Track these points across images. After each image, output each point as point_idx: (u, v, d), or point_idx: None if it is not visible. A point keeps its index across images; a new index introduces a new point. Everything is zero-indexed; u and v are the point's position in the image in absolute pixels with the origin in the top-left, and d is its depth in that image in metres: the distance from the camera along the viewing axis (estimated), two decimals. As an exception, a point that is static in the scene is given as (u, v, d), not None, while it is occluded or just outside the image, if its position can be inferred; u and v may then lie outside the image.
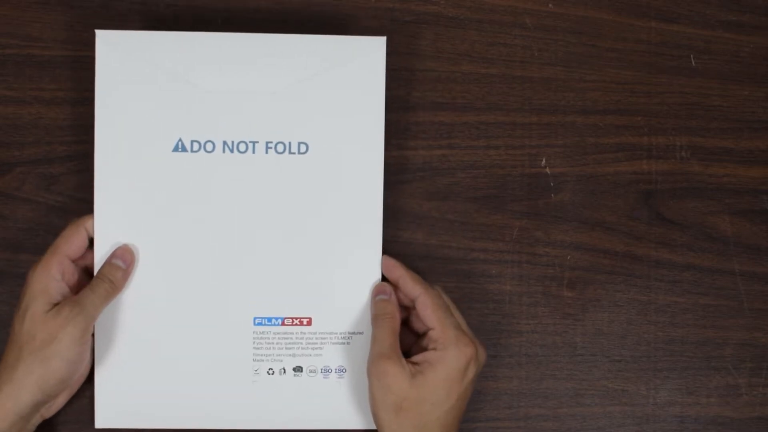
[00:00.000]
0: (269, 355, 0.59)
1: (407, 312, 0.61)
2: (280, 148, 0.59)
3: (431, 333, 0.57)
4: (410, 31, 0.65)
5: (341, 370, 0.60)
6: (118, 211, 0.58)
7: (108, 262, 0.58)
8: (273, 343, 0.59)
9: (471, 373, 0.56)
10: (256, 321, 0.59)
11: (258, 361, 0.59)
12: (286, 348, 0.60)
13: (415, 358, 0.57)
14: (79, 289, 0.57)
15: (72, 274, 0.58)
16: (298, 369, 0.60)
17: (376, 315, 0.58)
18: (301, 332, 0.60)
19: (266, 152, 0.59)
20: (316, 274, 0.60)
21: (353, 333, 0.60)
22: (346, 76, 0.59)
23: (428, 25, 0.65)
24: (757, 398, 0.67)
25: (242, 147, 0.59)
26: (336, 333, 0.60)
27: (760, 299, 0.67)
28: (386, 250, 0.61)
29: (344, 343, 0.60)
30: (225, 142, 0.59)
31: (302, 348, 0.60)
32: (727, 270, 0.67)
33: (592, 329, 0.66)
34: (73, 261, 0.58)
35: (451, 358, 0.56)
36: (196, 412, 0.59)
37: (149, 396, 0.59)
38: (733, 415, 0.66)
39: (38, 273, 0.56)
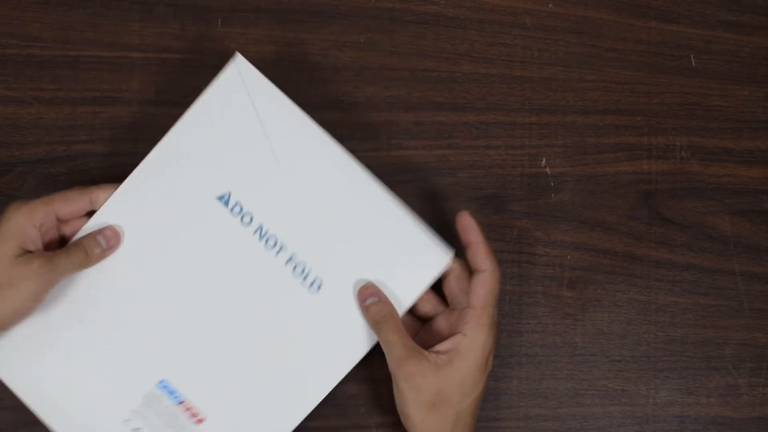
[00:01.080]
0: (146, 418, 0.57)
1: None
2: (298, 270, 0.57)
3: (467, 313, 0.56)
4: (410, 31, 0.65)
5: None
6: (135, 207, 0.57)
7: (92, 235, 0.56)
8: (158, 412, 0.57)
9: (491, 362, 0.56)
10: (160, 383, 0.57)
11: (133, 416, 0.57)
12: (164, 425, 0.57)
13: (441, 346, 0.55)
14: (46, 250, 0.55)
15: (50, 232, 0.56)
16: None
17: (376, 321, 0.56)
18: (185, 424, 0.57)
19: (285, 264, 0.57)
20: (248, 386, 0.57)
21: None
22: (397, 264, 0.58)
23: (428, 25, 0.65)
24: (757, 398, 0.67)
25: (271, 242, 0.57)
26: None
27: (760, 299, 0.67)
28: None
29: None
30: (261, 226, 0.57)
31: None
32: (727, 270, 0.67)
33: (592, 329, 0.66)
34: (58, 220, 0.56)
35: (479, 347, 0.55)
36: (60, 417, 0.58)
37: (41, 374, 0.57)
38: (733, 415, 0.66)
39: (22, 213, 0.54)
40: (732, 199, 0.67)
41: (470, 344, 0.55)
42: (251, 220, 0.58)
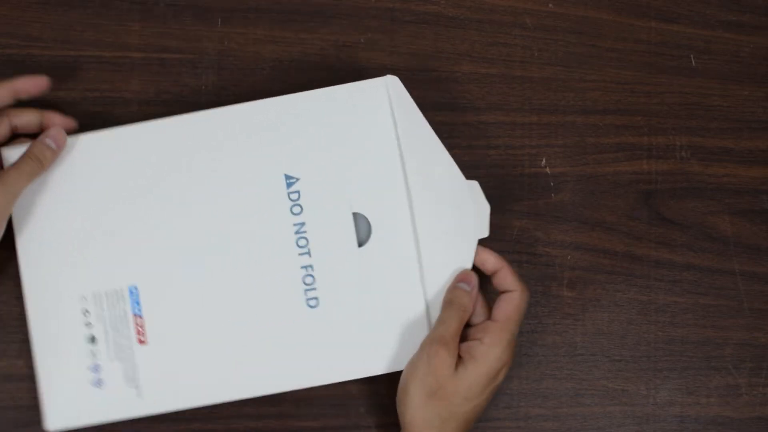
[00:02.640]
0: (100, 308, 0.58)
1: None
2: (308, 280, 0.58)
3: (489, 324, 0.56)
4: (410, 31, 0.65)
5: None
6: (199, 136, 0.58)
7: (39, 141, 0.56)
8: (113, 310, 0.57)
9: (503, 375, 0.57)
10: (132, 287, 0.57)
11: (90, 299, 0.58)
12: (110, 324, 0.58)
13: (461, 346, 0.56)
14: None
15: None
16: None
17: (451, 301, 0.57)
18: (128, 335, 0.58)
19: (300, 267, 0.58)
20: (203, 342, 0.58)
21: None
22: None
23: (428, 25, 0.65)
24: (757, 398, 0.67)
25: (302, 242, 0.58)
26: None
27: (760, 299, 0.67)
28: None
29: None
30: (304, 223, 0.58)
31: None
32: (727, 270, 0.67)
33: (592, 329, 0.66)
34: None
35: (494, 358, 0.55)
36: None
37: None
38: (733, 415, 0.66)
39: None
40: (732, 199, 0.67)
41: (485, 352, 0.55)
42: (300, 211, 0.58)
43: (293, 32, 0.64)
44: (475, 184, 0.59)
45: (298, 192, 0.58)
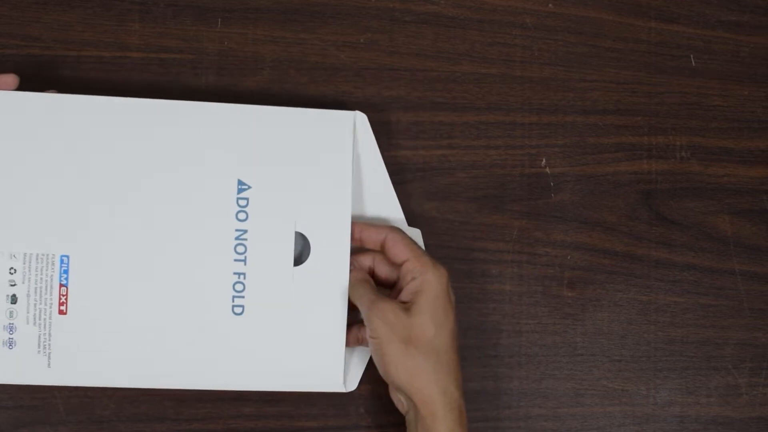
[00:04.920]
0: (27, 268, 0.57)
1: (371, 263, 0.60)
2: (238, 287, 0.58)
3: (406, 265, 0.57)
4: (410, 31, 0.65)
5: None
6: (155, 121, 0.58)
7: None
8: (39, 274, 0.57)
9: (452, 294, 0.57)
10: (63, 257, 0.57)
11: (19, 257, 0.57)
12: (33, 287, 0.57)
13: (401, 297, 0.56)
14: None
15: None
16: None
17: (352, 285, 0.58)
18: (49, 302, 0.57)
19: (232, 273, 0.58)
20: (120, 321, 0.57)
21: None
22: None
23: (428, 25, 0.65)
24: (757, 398, 0.67)
25: (241, 249, 0.58)
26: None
27: (760, 299, 0.67)
28: (386, 250, 0.61)
29: None
30: (246, 231, 0.58)
31: None
32: (727, 270, 0.67)
33: (592, 329, 0.66)
34: None
35: (434, 281, 0.55)
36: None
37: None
38: (733, 415, 0.66)
39: None
40: (732, 199, 0.67)
41: (422, 281, 0.55)
42: (245, 218, 0.58)
43: (293, 32, 0.64)
44: (417, 232, 0.61)
45: (247, 199, 0.58)
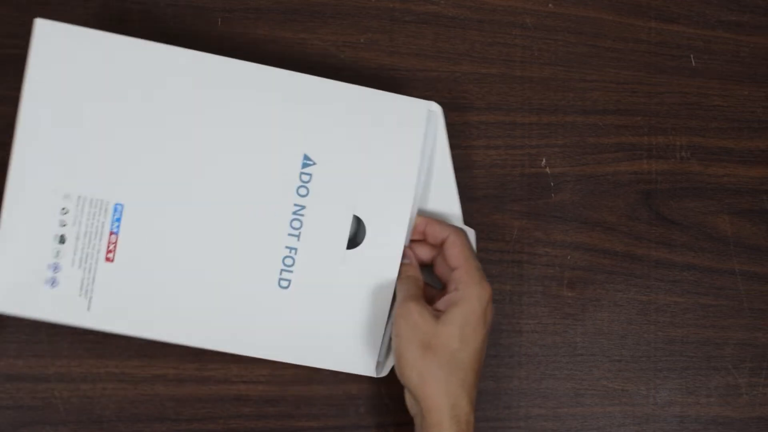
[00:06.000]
0: (80, 211, 0.57)
1: (432, 257, 0.60)
2: (288, 261, 0.58)
3: (455, 274, 0.56)
4: (410, 31, 0.65)
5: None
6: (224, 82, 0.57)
7: None
8: (91, 219, 0.57)
9: (490, 314, 0.56)
10: (118, 205, 0.56)
11: (73, 199, 0.56)
12: (83, 231, 0.57)
13: (438, 304, 0.56)
14: None
15: None
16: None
17: (400, 278, 0.58)
18: (97, 247, 0.57)
19: (284, 247, 0.58)
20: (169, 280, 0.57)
21: None
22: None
23: (428, 25, 0.65)
24: (757, 398, 0.67)
25: (296, 224, 0.58)
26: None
27: (760, 299, 0.67)
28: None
29: None
30: (304, 207, 0.58)
31: None
32: (727, 270, 0.67)
33: (592, 329, 0.66)
34: None
35: (473, 297, 0.55)
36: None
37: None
38: (733, 415, 0.66)
39: None
40: (732, 199, 0.67)
41: (464, 294, 0.55)
42: (306, 194, 0.58)
43: (293, 32, 0.64)
44: (471, 232, 0.60)
45: (310, 175, 0.58)
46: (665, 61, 0.67)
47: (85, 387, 0.61)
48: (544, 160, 0.66)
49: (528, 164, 0.65)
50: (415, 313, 0.54)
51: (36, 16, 0.62)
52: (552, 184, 0.66)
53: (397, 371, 0.56)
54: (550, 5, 0.66)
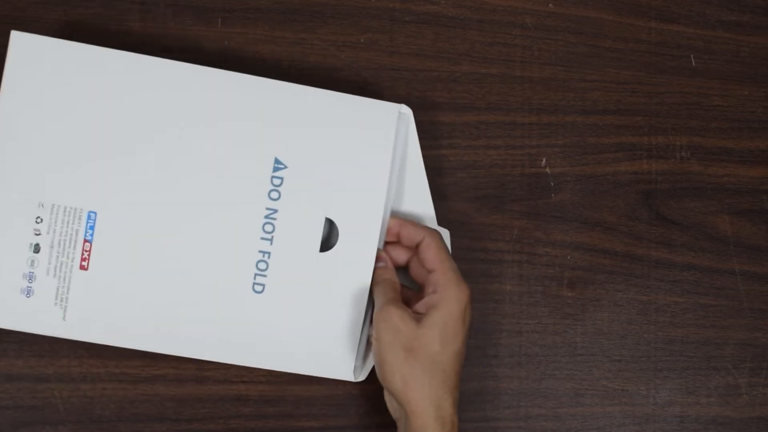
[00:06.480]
0: (53, 219, 0.57)
1: (407, 259, 0.60)
2: (261, 266, 0.58)
3: (432, 276, 0.56)
4: (410, 31, 0.65)
5: None
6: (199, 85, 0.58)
7: None
8: (65, 227, 0.57)
9: (469, 316, 0.56)
10: (91, 213, 0.56)
11: (47, 207, 0.56)
12: (57, 240, 0.57)
13: (417, 306, 0.56)
14: None
15: None
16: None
17: (376, 282, 0.58)
18: (71, 256, 0.57)
19: (257, 252, 0.58)
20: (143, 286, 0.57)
21: None
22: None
23: (428, 25, 0.65)
24: (757, 398, 0.67)
25: (269, 228, 0.57)
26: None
27: (760, 299, 0.67)
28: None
29: None
30: (277, 211, 0.58)
31: None
32: (727, 270, 0.67)
33: (592, 329, 0.66)
34: None
35: (452, 299, 0.55)
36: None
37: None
38: (733, 415, 0.66)
39: None
40: (732, 199, 0.67)
41: (442, 297, 0.55)
42: (277, 197, 0.58)
43: (293, 32, 0.64)
44: (446, 232, 0.60)
45: (281, 179, 0.58)
46: (665, 61, 0.67)
47: (85, 387, 0.61)
48: (544, 160, 0.66)
49: (528, 164, 0.65)
50: (396, 317, 0.54)
51: (36, 16, 0.62)
52: (552, 184, 0.66)
53: (379, 376, 0.56)
54: (550, 5, 0.66)
